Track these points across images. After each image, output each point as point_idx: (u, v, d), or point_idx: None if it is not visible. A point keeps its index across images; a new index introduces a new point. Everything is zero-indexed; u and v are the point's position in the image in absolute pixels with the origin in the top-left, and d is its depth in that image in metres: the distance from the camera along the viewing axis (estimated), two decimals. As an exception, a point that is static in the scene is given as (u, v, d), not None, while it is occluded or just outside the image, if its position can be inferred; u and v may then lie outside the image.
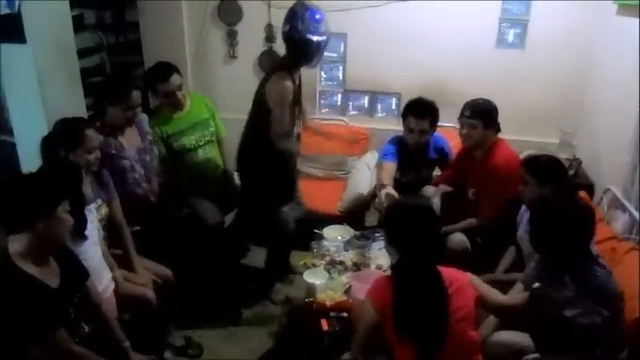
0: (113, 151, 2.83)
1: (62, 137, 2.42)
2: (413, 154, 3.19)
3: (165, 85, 3.04)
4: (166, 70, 3.06)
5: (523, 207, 2.66)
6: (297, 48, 2.87)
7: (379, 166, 3.31)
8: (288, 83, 2.86)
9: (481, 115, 2.91)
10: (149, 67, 3.13)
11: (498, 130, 2.96)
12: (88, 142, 2.43)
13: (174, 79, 3.06)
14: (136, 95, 2.87)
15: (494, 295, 2.13)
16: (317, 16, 2.83)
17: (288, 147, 2.95)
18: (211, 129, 3.26)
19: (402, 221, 1.99)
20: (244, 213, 3.34)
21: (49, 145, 2.42)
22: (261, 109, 2.93)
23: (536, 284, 2.10)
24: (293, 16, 2.82)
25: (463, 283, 1.95)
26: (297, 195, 3.35)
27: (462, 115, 2.97)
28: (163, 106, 3.15)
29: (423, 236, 1.93)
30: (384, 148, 3.28)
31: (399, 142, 3.24)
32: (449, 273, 1.94)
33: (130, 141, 2.93)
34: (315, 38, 2.82)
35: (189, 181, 3.20)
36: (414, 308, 1.86)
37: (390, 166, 3.15)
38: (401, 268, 1.95)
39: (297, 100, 3.03)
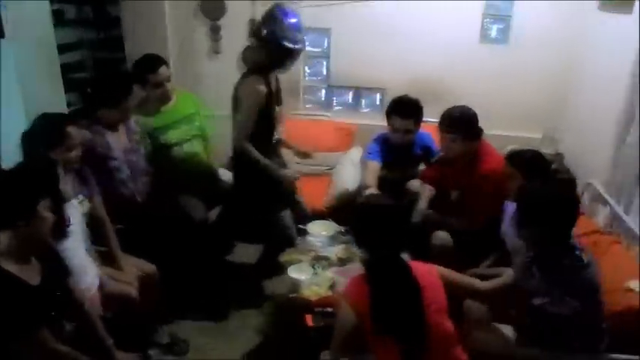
0: (100, 150, 2.80)
1: (43, 134, 2.38)
2: (398, 151, 3.20)
3: (155, 76, 3.02)
4: (155, 61, 3.05)
5: (506, 202, 2.68)
6: (273, 53, 2.85)
7: (364, 165, 3.31)
8: (260, 87, 2.85)
9: (459, 128, 2.84)
10: (136, 59, 3.09)
11: (479, 136, 2.90)
12: (69, 139, 2.38)
13: (163, 70, 3.05)
14: (132, 99, 2.86)
15: (471, 281, 2.24)
16: (296, 24, 2.82)
17: (246, 149, 2.90)
18: (197, 124, 3.25)
19: (365, 222, 2.04)
20: (231, 210, 3.32)
21: (29, 141, 2.37)
22: (235, 111, 2.95)
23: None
24: (272, 21, 2.81)
25: (433, 276, 1.98)
26: (296, 198, 3.33)
27: (440, 127, 2.91)
28: (149, 100, 3.11)
29: (387, 234, 1.96)
30: (369, 147, 3.28)
31: (383, 140, 3.24)
32: (418, 267, 1.98)
33: (117, 140, 2.89)
34: (292, 46, 2.81)
35: (174, 175, 3.17)
36: (390, 304, 1.88)
37: (374, 166, 3.16)
38: (372, 266, 1.98)
39: (275, 101, 3.02)
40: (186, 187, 3.20)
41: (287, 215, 3.15)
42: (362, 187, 3.18)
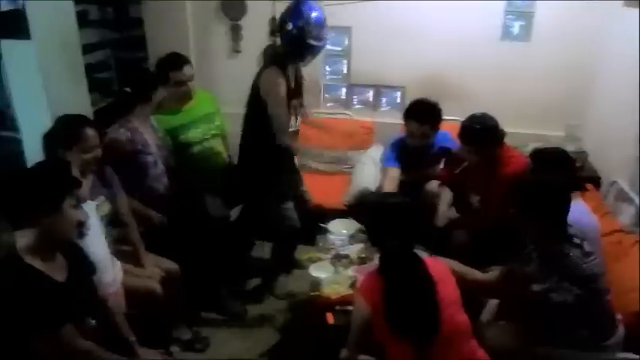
0: (139, 147, 2.84)
1: (60, 135, 2.41)
2: (415, 153, 3.16)
3: (178, 74, 3.05)
4: (180, 59, 3.09)
5: None
6: (295, 47, 2.84)
7: (383, 172, 3.30)
8: (280, 77, 2.84)
9: (479, 141, 2.78)
10: (160, 57, 3.13)
11: (501, 142, 2.84)
12: (84, 141, 2.39)
13: (187, 69, 3.08)
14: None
15: (473, 272, 2.30)
16: (320, 19, 2.80)
17: (288, 143, 2.93)
18: (217, 123, 3.27)
19: (377, 220, 2.08)
20: (249, 208, 3.34)
21: (48, 142, 2.41)
22: (255, 104, 2.93)
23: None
24: (297, 15, 2.78)
25: (446, 271, 2.03)
26: (301, 190, 3.35)
27: (459, 139, 2.86)
28: (171, 98, 3.13)
29: (398, 228, 2.00)
30: (386, 153, 3.26)
31: (400, 144, 3.21)
32: (432, 262, 2.02)
33: (150, 137, 2.94)
34: (316, 43, 2.80)
35: (194, 174, 3.20)
36: (404, 297, 1.90)
37: (393, 172, 3.16)
38: (385, 261, 2.01)
39: (295, 94, 3.02)
40: (206, 185, 3.22)
41: (290, 207, 3.15)
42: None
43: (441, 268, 2.03)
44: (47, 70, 3.09)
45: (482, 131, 2.77)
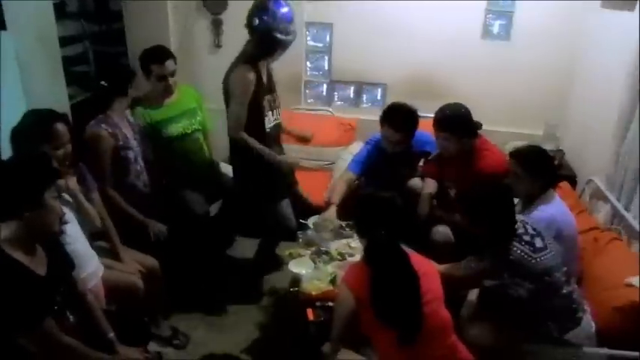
0: (120, 143, 2.81)
1: (30, 131, 2.34)
2: (393, 153, 3.17)
3: (160, 68, 3.01)
4: (163, 53, 3.05)
5: None
6: (263, 43, 2.83)
7: (341, 175, 3.32)
8: (249, 75, 2.82)
9: (450, 128, 2.83)
10: (145, 49, 3.09)
11: (475, 133, 2.88)
12: (56, 137, 2.34)
13: (170, 63, 3.04)
14: (139, 81, 2.88)
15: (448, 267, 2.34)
16: (288, 14, 2.80)
17: (240, 137, 2.88)
18: (198, 118, 3.24)
19: (365, 212, 2.12)
20: (232, 204, 3.32)
21: (17, 137, 2.36)
22: (227, 102, 2.93)
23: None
24: (264, 10, 2.77)
25: (429, 266, 2.10)
26: (296, 189, 3.34)
27: (433, 127, 2.90)
28: (153, 92, 3.11)
29: (385, 220, 2.04)
30: (356, 155, 3.27)
31: (376, 145, 3.21)
32: (416, 256, 2.05)
33: (129, 131, 2.90)
34: (284, 37, 2.79)
35: (175, 169, 3.18)
36: (388, 289, 1.93)
37: (349, 177, 3.19)
38: (371, 252, 2.04)
39: (268, 90, 3.00)
40: (187, 180, 3.20)
41: (286, 205, 3.14)
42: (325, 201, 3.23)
43: (424, 262, 2.07)
44: (24, 63, 3.03)
45: (455, 118, 2.84)
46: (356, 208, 2.18)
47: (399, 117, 3.03)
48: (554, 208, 2.49)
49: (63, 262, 2.06)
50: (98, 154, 2.73)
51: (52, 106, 2.53)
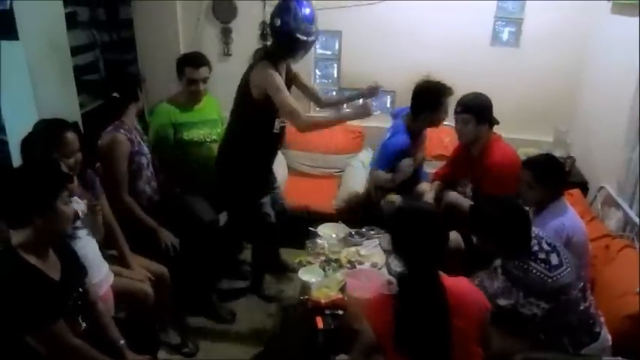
0: (136, 148, 2.83)
1: (40, 139, 2.37)
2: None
3: (194, 72, 3.09)
4: (200, 59, 3.14)
5: None
6: (285, 43, 2.81)
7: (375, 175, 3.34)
8: (271, 69, 2.79)
9: (472, 109, 2.90)
10: (184, 53, 3.18)
11: (493, 124, 2.94)
12: (65, 145, 2.35)
13: (204, 70, 3.12)
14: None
15: None
16: (310, 15, 2.80)
17: (308, 121, 2.82)
18: (218, 130, 3.28)
19: (407, 227, 1.86)
20: (235, 211, 3.33)
21: (27, 146, 2.38)
22: (244, 102, 2.89)
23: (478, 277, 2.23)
24: (286, 11, 2.75)
25: (466, 292, 1.85)
26: (275, 185, 3.36)
27: (455, 111, 2.98)
28: (183, 94, 3.18)
29: (431, 243, 1.82)
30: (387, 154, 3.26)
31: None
32: (453, 283, 1.84)
33: (141, 138, 2.93)
34: (305, 38, 2.79)
35: (187, 174, 3.21)
36: (416, 325, 1.77)
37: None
38: (408, 280, 1.84)
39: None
40: (198, 187, 3.22)
41: (267, 202, 3.14)
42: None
43: (462, 289, 1.84)
44: (36, 72, 3.07)
45: (475, 99, 2.93)
46: (397, 222, 1.92)
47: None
48: (564, 216, 2.47)
49: (76, 268, 2.08)
50: (116, 158, 2.75)
51: (62, 114, 2.55)
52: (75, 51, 3.66)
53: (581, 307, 2.15)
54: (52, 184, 1.91)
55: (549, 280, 2.08)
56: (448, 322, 1.75)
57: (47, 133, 2.38)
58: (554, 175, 2.52)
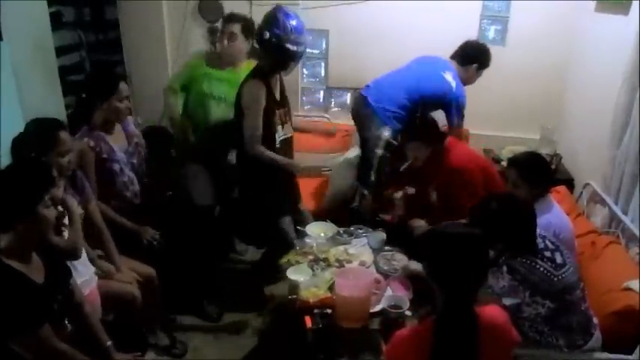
0: (104, 155, 2.79)
1: (34, 139, 2.36)
2: None
3: (223, 25, 3.28)
4: (233, 16, 3.33)
5: None
6: (275, 56, 2.83)
7: None
8: (260, 88, 2.83)
9: (416, 137, 2.90)
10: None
11: (441, 140, 2.89)
12: (60, 145, 2.36)
13: (240, 42, 3.28)
14: (124, 87, 2.84)
15: None
16: (298, 25, 2.80)
17: (258, 152, 2.89)
18: (232, 100, 3.20)
19: (454, 254, 1.66)
20: (234, 208, 3.33)
21: (20, 146, 2.36)
22: (238, 116, 2.94)
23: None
24: (274, 23, 2.77)
25: (499, 328, 1.71)
26: (299, 206, 3.31)
27: (402, 140, 3.05)
28: (216, 54, 3.41)
29: (472, 271, 1.66)
30: None
31: None
32: (487, 315, 1.69)
33: (118, 143, 2.89)
34: (295, 48, 2.79)
35: (198, 127, 3.33)
36: None
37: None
38: (447, 313, 1.66)
39: (281, 104, 3.00)
40: (206, 142, 3.32)
41: (288, 221, 3.13)
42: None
43: (495, 321, 1.70)
44: (20, 72, 3.03)
45: (421, 125, 2.96)
46: (438, 248, 1.71)
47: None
48: (550, 213, 2.49)
49: (60, 270, 2.06)
50: (81, 166, 2.70)
51: (48, 115, 2.53)
52: (60, 51, 3.63)
53: (582, 308, 2.17)
54: (35, 187, 1.88)
55: (555, 279, 2.07)
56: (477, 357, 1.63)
57: (41, 132, 2.37)
58: (539, 173, 2.53)
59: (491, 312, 1.72)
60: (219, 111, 3.30)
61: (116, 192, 2.87)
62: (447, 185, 2.86)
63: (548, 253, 2.12)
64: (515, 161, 2.60)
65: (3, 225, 1.84)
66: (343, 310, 2.29)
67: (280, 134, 2.99)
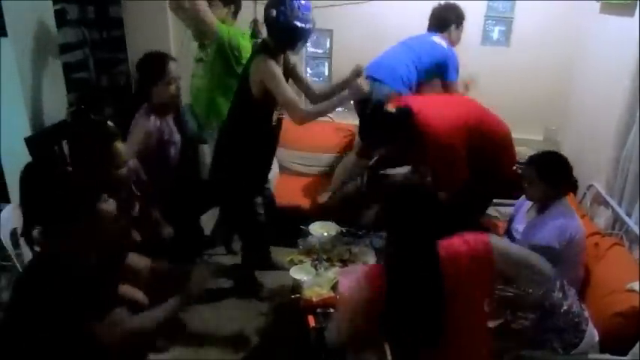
0: (166, 137, 2.80)
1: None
2: None
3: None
4: None
5: (521, 200, 2.73)
6: (283, 34, 2.79)
7: None
8: (270, 61, 2.78)
9: (381, 137, 2.81)
10: None
11: (410, 131, 2.70)
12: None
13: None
14: (173, 65, 2.81)
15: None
16: (305, 3, 2.79)
17: (308, 116, 2.85)
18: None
19: (400, 201, 1.82)
20: (226, 207, 3.33)
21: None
22: (243, 99, 2.89)
23: None
24: (280, 1, 2.74)
25: (462, 256, 1.74)
26: (267, 185, 3.37)
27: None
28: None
29: (421, 215, 1.76)
30: None
31: None
32: (453, 249, 1.74)
33: (172, 128, 2.91)
34: (303, 25, 2.76)
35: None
36: (407, 301, 1.73)
37: None
38: (396, 252, 1.80)
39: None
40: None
41: (259, 201, 3.16)
42: None
43: (457, 251, 1.74)
44: (24, 69, 3.04)
45: (376, 127, 2.79)
46: (389, 196, 1.87)
47: None
48: (567, 215, 2.46)
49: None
50: (147, 147, 2.72)
51: (51, 112, 2.53)
52: (64, 48, 3.63)
53: (565, 307, 2.16)
54: (92, 186, 1.84)
55: (530, 292, 2.08)
56: (441, 290, 1.69)
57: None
58: (557, 173, 2.49)
59: (452, 244, 1.75)
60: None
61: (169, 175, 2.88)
62: (433, 162, 2.78)
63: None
64: (535, 159, 2.57)
65: (64, 226, 1.79)
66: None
67: (276, 114, 2.98)
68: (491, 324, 2.04)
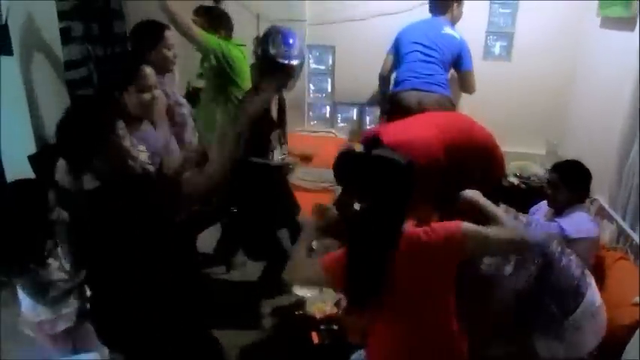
0: (172, 100, 2.88)
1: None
2: None
3: None
4: None
5: (536, 206, 2.93)
6: (267, 70, 2.85)
7: None
8: (253, 107, 2.82)
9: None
10: None
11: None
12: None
13: None
14: (169, 34, 2.87)
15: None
16: (290, 40, 2.83)
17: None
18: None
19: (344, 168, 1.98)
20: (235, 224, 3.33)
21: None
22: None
23: None
24: (265, 39, 2.82)
25: (438, 240, 1.73)
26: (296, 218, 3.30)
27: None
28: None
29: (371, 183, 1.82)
30: None
31: None
32: (414, 236, 1.75)
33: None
34: (286, 62, 2.81)
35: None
36: (360, 260, 1.76)
37: None
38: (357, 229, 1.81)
39: (277, 124, 3.01)
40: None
41: (283, 233, 3.15)
42: None
43: (425, 237, 1.74)
44: (29, 86, 3.06)
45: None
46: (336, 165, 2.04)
47: None
48: (581, 217, 2.65)
49: None
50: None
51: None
52: (69, 65, 3.66)
53: (563, 262, 2.12)
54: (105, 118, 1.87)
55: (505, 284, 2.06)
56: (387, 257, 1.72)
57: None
58: (579, 181, 2.70)
59: (418, 229, 1.75)
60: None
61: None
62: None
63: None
64: (559, 166, 2.79)
65: (83, 162, 1.83)
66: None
67: (277, 155, 3.00)
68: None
